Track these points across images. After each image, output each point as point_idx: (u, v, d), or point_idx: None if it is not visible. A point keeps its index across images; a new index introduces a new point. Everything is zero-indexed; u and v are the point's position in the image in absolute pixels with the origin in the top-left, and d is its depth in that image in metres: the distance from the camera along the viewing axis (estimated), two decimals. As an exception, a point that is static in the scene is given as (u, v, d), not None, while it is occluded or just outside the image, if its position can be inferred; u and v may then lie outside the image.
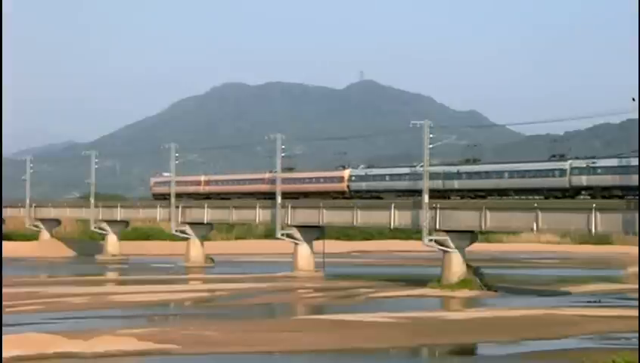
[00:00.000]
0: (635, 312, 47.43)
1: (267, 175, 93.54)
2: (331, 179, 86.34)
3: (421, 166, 73.68)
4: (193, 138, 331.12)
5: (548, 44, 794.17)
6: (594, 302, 61.93)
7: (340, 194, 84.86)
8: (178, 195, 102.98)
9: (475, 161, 75.18)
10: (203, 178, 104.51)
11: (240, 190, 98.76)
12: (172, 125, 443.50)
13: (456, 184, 73.45)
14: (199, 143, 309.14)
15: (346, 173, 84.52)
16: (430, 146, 72.99)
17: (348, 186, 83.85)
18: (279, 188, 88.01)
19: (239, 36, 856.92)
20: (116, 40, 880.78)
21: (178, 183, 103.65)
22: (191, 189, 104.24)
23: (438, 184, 73.43)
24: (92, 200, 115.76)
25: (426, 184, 72.49)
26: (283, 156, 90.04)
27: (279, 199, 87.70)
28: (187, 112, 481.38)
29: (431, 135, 73.26)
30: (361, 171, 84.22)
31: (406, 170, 79.10)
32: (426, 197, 72.13)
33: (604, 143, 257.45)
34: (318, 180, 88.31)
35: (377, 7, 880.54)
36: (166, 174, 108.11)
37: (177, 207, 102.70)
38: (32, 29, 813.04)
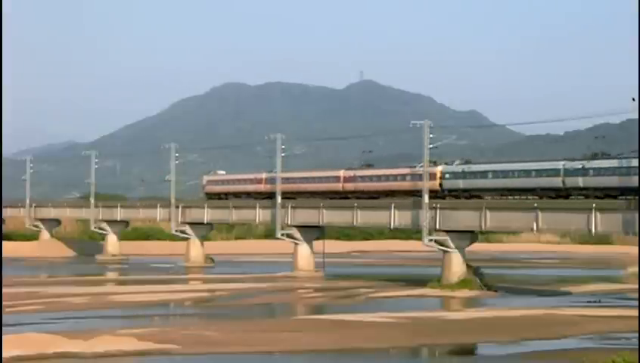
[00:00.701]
0: (635, 312, 47.43)
1: (342, 173, 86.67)
2: (420, 177, 76.10)
3: (528, 162, 69.31)
4: (193, 138, 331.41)
5: (548, 44, 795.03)
6: (594, 302, 61.91)
7: (431, 193, 74.79)
8: (236, 194, 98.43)
9: (605, 155, 66.83)
10: (264, 175, 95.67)
11: (310, 189, 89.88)
12: (172, 125, 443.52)
13: (580, 181, 65.17)
14: (199, 143, 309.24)
15: (439, 170, 75.79)
16: (430, 146, 73.00)
17: (440, 184, 75.30)
18: (279, 188, 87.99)
19: (239, 36, 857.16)
20: (116, 40, 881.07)
21: (235, 181, 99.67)
22: (251, 188, 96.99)
23: (555, 182, 66.18)
24: (92, 200, 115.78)
25: (426, 184, 72.45)
26: (287, 155, 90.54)
27: (279, 199, 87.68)
28: (187, 112, 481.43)
29: (431, 135, 73.26)
30: (456, 167, 75.24)
31: (515, 166, 70.94)
32: (426, 197, 72.10)
33: (604, 143, 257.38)
34: (403, 177, 79.83)
35: (377, 8, 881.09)
36: (220, 172, 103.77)
37: (177, 207, 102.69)
38: (32, 29, 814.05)
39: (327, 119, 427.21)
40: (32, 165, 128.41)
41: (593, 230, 63.03)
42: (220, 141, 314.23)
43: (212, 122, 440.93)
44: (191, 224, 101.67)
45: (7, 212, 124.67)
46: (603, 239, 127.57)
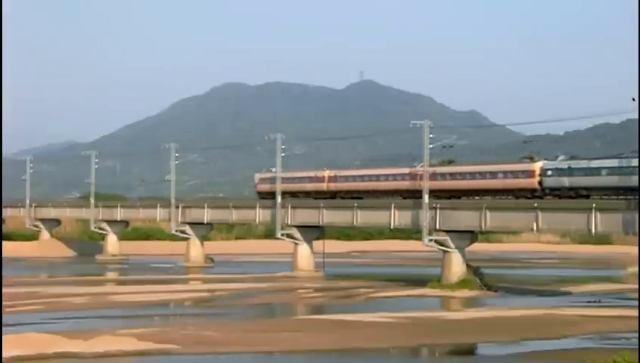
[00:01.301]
0: (635, 312, 47.42)
1: (408, 170, 79.58)
2: (515, 174, 71.19)
3: None
4: (193, 138, 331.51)
5: (548, 44, 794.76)
6: (594, 302, 61.90)
7: (528, 193, 69.93)
8: (293, 193, 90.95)
9: None
10: (327, 173, 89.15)
11: (377, 188, 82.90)
12: (172, 125, 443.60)
13: None
14: (199, 143, 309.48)
15: (538, 166, 69.48)
16: (430, 146, 73.00)
17: (540, 182, 69.40)
18: (278, 188, 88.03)
19: (239, 36, 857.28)
20: (116, 40, 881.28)
21: (293, 179, 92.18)
22: (310, 186, 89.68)
23: None
24: (92, 200, 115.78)
25: (426, 184, 72.46)
26: (288, 154, 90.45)
27: (279, 199, 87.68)
28: (187, 112, 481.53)
29: (431, 135, 73.25)
30: (560, 163, 69.18)
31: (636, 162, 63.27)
32: (426, 197, 72.11)
33: (604, 143, 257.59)
34: (494, 175, 72.92)
35: (377, 8, 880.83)
36: (274, 169, 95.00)
37: (177, 207, 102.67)
38: (32, 29, 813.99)
39: (327, 119, 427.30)
40: (32, 165, 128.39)
41: (593, 230, 63.03)
42: (220, 141, 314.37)
43: (212, 122, 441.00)
44: (191, 224, 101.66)
45: (7, 212, 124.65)
46: (603, 239, 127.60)
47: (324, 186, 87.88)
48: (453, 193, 75.05)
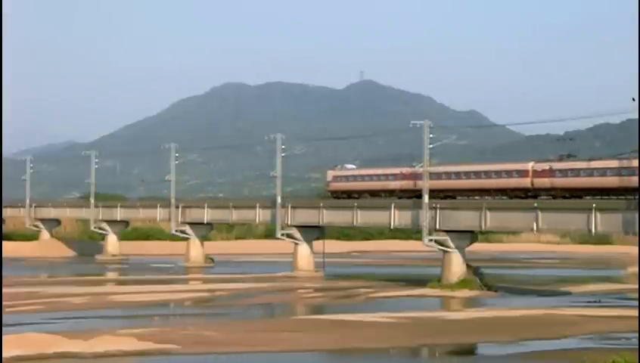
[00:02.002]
0: (635, 312, 47.43)
1: (532, 166, 70.60)
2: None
3: None
4: (193, 138, 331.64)
5: (548, 44, 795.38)
6: (594, 302, 61.90)
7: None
8: (372, 192, 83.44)
9: None
10: (405, 170, 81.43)
11: (472, 186, 74.73)
12: (172, 125, 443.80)
13: None
14: (199, 143, 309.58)
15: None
16: (430, 146, 73.00)
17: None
18: (278, 189, 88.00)
19: (239, 36, 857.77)
20: (116, 40, 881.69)
21: (371, 177, 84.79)
22: (394, 185, 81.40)
23: None
24: (92, 200, 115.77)
25: (426, 184, 72.47)
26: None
27: (279, 199, 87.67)
28: (187, 112, 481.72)
29: (431, 135, 73.26)
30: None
31: None
32: (426, 197, 72.12)
33: (604, 143, 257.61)
34: (617, 171, 65.61)
35: (377, 8, 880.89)
36: (349, 166, 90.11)
37: (177, 207, 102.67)
38: (32, 29, 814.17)
39: (327, 119, 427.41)
40: (32, 165, 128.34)
41: (593, 230, 63.05)
42: (220, 141, 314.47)
43: (212, 122, 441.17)
44: (191, 224, 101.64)
45: (7, 212, 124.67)
46: (603, 239, 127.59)
47: (411, 184, 79.37)
48: (572, 191, 68.33)
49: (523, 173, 70.47)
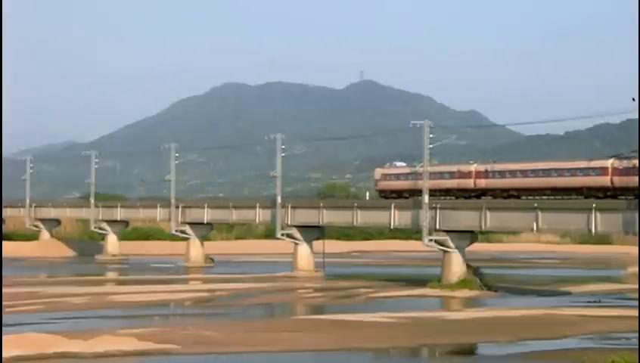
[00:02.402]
0: (635, 312, 47.43)
1: (612, 163, 64.96)
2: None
3: None
4: (193, 138, 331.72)
5: (548, 44, 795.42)
6: (594, 302, 61.88)
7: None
8: (429, 192, 74.14)
9: None
10: (475, 167, 74.49)
11: (550, 185, 68.79)
12: (172, 125, 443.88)
13: None
14: (199, 143, 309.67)
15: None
16: (430, 146, 72.99)
17: None
18: (278, 189, 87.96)
19: (239, 36, 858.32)
20: (116, 40, 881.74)
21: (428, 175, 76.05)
22: (453, 183, 75.20)
23: None
24: (92, 200, 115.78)
25: (426, 184, 72.46)
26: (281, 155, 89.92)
27: (279, 199, 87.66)
28: (187, 112, 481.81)
29: (431, 135, 73.26)
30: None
31: None
32: (426, 197, 72.11)
33: (604, 143, 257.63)
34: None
35: (377, 8, 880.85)
36: (399, 163, 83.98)
37: (177, 207, 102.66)
38: (32, 29, 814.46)
39: (327, 119, 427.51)
40: (32, 165, 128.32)
41: (593, 230, 63.03)
42: (220, 141, 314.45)
43: (212, 122, 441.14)
44: (191, 224, 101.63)
45: (7, 212, 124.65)
46: (603, 239, 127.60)
47: (470, 183, 74.13)
48: None
49: (602, 171, 64.90)
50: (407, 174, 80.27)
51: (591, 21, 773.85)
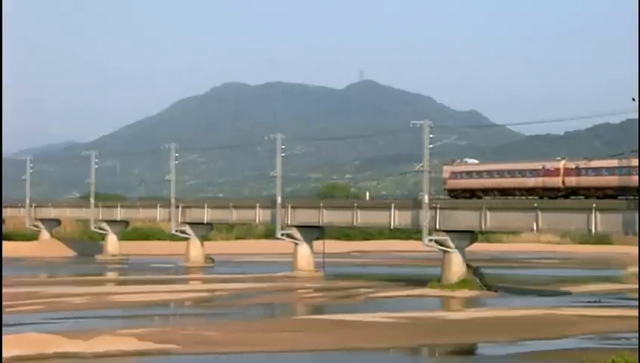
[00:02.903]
0: (635, 312, 47.42)
1: None
2: None
3: None
4: (193, 138, 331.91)
5: (548, 44, 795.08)
6: (594, 302, 61.88)
7: None
8: (504, 191, 71.36)
9: None
10: (563, 164, 67.79)
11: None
12: (172, 125, 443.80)
13: None
14: (199, 143, 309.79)
15: None
16: (430, 146, 72.99)
17: None
18: (278, 189, 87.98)
19: (239, 36, 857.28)
20: (116, 40, 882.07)
21: (501, 173, 72.77)
22: (537, 182, 68.55)
23: None
24: (92, 200, 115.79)
25: (426, 184, 72.45)
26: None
27: (279, 199, 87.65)
28: (187, 112, 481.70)
29: (431, 135, 73.26)
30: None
31: None
32: (426, 197, 72.10)
33: (604, 143, 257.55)
34: None
35: (377, 8, 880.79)
36: (470, 160, 78.44)
37: (177, 207, 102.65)
38: (32, 29, 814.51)
39: (327, 119, 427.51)
40: (32, 165, 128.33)
41: (593, 230, 63.03)
42: (220, 141, 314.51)
43: (212, 122, 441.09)
44: (191, 224, 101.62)
45: (7, 212, 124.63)
46: (603, 239, 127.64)
47: (558, 181, 67.53)
48: None
49: None
50: (480, 171, 74.52)
51: (591, 21, 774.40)
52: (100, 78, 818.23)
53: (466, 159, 78.77)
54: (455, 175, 76.09)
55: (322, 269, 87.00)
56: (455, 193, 75.75)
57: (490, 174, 73.18)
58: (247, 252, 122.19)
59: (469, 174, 75.13)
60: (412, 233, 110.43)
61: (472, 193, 73.97)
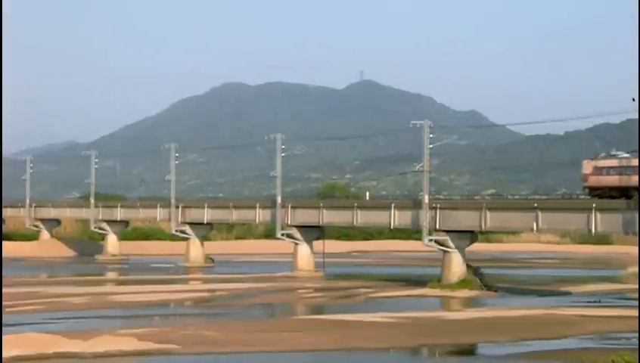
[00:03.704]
0: (635, 312, 47.44)
1: None
2: None
3: None
4: (193, 138, 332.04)
5: (548, 44, 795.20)
6: (594, 302, 61.88)
7: None
8: None
9: None
10: None
11: None
12: (172, 125, 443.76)
13: None
14: (199, 143, 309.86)
15: None
16: (430, 146, 73.01)
17: None
18: (278, 189, 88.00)
19: (239, 36, 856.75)
20: (116, 40, 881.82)
21: None
22: None
23: None
24: (92, 200, 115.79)
25: (426, 184, 72.46)
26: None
27: (279, 199, 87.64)
28: (187, 112, 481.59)
29: (431, 135, 73.27)
30: None
31: None
32: (426, 197, 72.12)
33: (604, 143, 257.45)
34: None
35: (377, 8, 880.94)
36: (619, 153, 65.36)
37: (177, 207, 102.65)
38: (32, 30, 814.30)
39: (327, 119, 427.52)
40: (32, 165, 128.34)
41: (593, 230, 63.03)
42: (220, 141, 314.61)
43: (212, 122, 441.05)
44: (191, 224, 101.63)
45: (7, 212, 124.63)
46: (603, 239, 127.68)
47: None
48: None
49: None
50: (634, 167, 61.17)
51: (591, 21, 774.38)
52: (100, 78, 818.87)
53: (612, 152, 66.28)
54: (599, 170, 64.54)
55: (322, 269, 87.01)
56: (600, 192, 64.01)
57: (632, 170, 60.95)
58: (247, 252, 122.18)
59: (618, 169, 62.84)
60: (412, 233, 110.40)
61: (623, 192, 62.00)
